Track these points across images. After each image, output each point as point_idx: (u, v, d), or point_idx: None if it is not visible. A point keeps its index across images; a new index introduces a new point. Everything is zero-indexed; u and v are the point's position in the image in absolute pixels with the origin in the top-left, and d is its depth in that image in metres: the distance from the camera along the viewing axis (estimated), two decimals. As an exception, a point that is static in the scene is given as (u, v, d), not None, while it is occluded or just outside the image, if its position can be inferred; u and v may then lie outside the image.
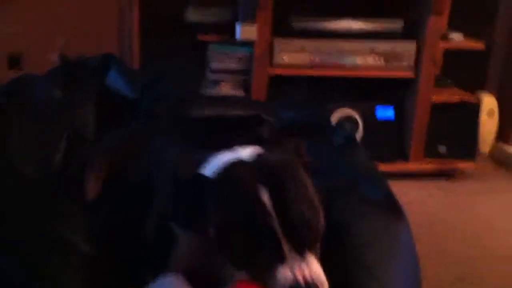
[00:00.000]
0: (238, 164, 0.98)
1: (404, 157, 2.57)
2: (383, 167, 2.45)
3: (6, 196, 1.18)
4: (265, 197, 0.90)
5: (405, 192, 2.51)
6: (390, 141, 2.58)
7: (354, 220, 1.14)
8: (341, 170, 1.33)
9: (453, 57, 2.63)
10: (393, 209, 1.21)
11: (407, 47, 2.44)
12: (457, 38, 2.52)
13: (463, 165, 2.59)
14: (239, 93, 2.36)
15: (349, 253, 1.08)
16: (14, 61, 2.19)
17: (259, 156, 1.00)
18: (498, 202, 2.43)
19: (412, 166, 2.55)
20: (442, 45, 2.48)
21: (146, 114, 1.56)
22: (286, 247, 0.88)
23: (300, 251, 0.89)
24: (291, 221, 0.89)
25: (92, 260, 1.01)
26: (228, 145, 1.42)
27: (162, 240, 0.98)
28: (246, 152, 1.02)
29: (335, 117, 2.44)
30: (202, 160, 1.05)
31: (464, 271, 1.87)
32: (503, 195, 2.50)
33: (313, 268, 0.89)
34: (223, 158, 1.02)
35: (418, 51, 2.43)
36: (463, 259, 1.95)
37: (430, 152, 2.58)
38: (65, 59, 1.77)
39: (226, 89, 2.36)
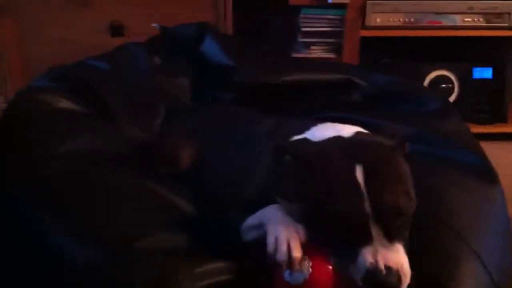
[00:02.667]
0: (337, 140, 0.97)
1: (503, 119, 2.48)
2: (481, 129, 2.42)
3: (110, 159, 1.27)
4: (360, 177, 0.89)
5: (503, 155, 2.45)
6: (488, 103, 2.49)
7: (445, 185, 1.13)
8: (435, 136, 1.31)
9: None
10: (486, 174, 1.19)
11: (507, 5, 2.32)
12: None
13: None
14: (331, 56, 2.35)
15: (439, 218, 1.06)
16: (116, 30, 2.30)
17: (359, 136, 1.00)
18: None
19: (510, 128, 2.47)
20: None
21: (241, 82, 1.61)
22: (374, 231, 0.87)
23: (388, 237, 0.87)
24: (383, 207, 0.88)
25: (194, 220, 1.07)
26: (321, 110, 1.46)
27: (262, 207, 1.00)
28: (347, 130, 1.02)
29: (430, 78, 2.39)
30: (301, 130, 1.08)
31: None
32: None
33: (399, 256, 0.87)
34: (323, 131, 1.03)
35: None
36: None
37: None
38: (163, 29, 1.85)
39: (317, 52, 2.37)
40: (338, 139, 0.98)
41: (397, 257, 0.86)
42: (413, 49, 2.40)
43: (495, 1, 2.32)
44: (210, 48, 1.75)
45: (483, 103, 2.48)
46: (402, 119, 1.37)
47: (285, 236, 0.91)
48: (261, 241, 0.93)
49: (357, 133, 1.03)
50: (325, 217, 0.89)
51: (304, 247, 0.91)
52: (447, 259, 0.99)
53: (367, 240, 0.87)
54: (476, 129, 2.36)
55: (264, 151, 1.09)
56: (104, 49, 1.75)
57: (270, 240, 0.92)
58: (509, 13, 2.33)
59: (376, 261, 0.86)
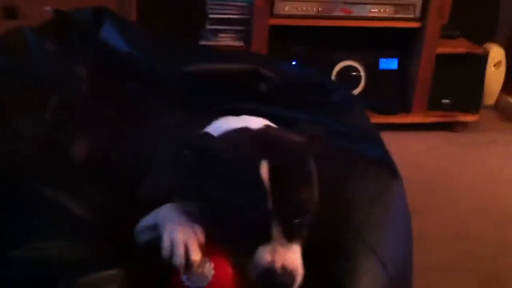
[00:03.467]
0: (243, 133, 0.93)
1: (407, 109, 2.54)
2: (386, 119, 2.47)
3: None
4: (265, 173, 0.85)
5: (407, 144, 2.51)
6: (393, 93, 2.54)
7: (347, 179, 1.12)
8: (339, 128, 1.30)
9: (462, 7, 2.55)
10: (386, 167, 1.19)
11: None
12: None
13: (467, 117, 2.55)
14: (239, 44, 2.30)
15: (341, 214, 1.05)
16: (9, 12, 2.15)
17: (267, 130, 0.96)
18: (501, 154, 2.41)
19: (415, 118, 2.52)
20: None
21: (144, 72, 1.52)
22: (274, 230, 0.85)
23: (288, 237, 0.85)
24: (286, 206, 0.85)
25: (87, 225, 0.99)
26: (226, 102, 1.40)
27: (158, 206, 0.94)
28: (254, 122, 0.98)
29: (338, 68, 2.40)
30: (205, 123, 1.02)
31: (464, 226, 1.86)
32: (507, 147, 2.47)
33: (296, 257, 0.86)
34: (228, 124, 0.98)
35: (425, 1, 2.36)
36: (463, 214, 1.93)
37: (434, 104, 2.54)
38: (59, 13, 1.72)
39: (226, 40, 2.31)
40: (243, 132, 0.94)
41: (294, 257, 0.85)
42: (323, 40, 2.40)
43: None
44: (109, 34, 1.64)
45: (389, 93, 2.53)
46: (308, 110, 1.35)
47: (182, 238, 0.86)
48: (156, 243, 0.87)
49: (265, 126, 0.98)
50: (225, 214, 0.85)
51: (204, 248, 0.86)
52: (346, 256, 0.99)
53: (267, 238, 0.84)
54: (382, 119, 2.43)
55: (165, 147, 1.04)
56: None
57: (166, 242, 0.86)
58: (415, 5, 2.37)
59: (274, 261, 0.84)
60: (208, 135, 0.95)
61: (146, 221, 0.94)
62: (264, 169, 0.85)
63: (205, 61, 1.57)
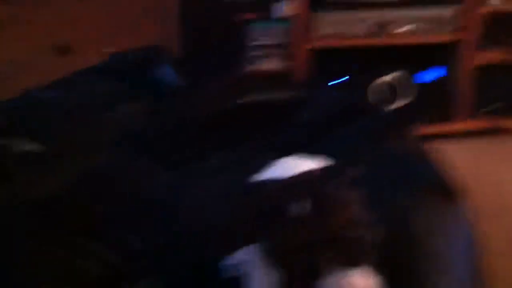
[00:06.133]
0: (288, 178, 1.01)
1: (449, 119, 2.57)
2: (429, 130, 2.50)
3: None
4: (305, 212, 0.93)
5: (452, 154, 2.50)
6: (435, 104, 2.58)
7: (409, 209, 1.15)
8: (387, 159, 1.35)
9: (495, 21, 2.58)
10: (446, 191, 1.21)
11: (448, 12, 2.41)
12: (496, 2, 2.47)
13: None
14: (280, 69, 2.39)
15: (407, 243, 1.09)
16: (61, 49, 2.26)
17: (309, 173, 1.04)
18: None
19: (458, 126, 2.55)
20: (483, 9, 2.44)
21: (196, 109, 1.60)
22: (324, 262, 0.90)
23: (348, 263, 0.91)
24: (332, 236, 0.92)
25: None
26: (269, 137, 1.47)
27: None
28: (304, 165, 1.06)
29: (375, 85, 2.46)
30: (259, 167, 1.10)
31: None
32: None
33: (365, 280, 0.91)
34: (282, 169, 1.06)
35: (460, 15, 2.41)
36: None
37: (476, 113, 2.56)
38: (112, 54, 1.83)
39: (267, 65, 2.40)
40: (290, 176, 1.02)
41: (363, 280, 0.90)
42: (361, 58, 2.46)
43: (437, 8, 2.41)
44: (164, 73, 1.75)
45: (430, 104, 2.57)
46: (352, 140, 1.41)
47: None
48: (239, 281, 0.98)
49: (311, 167, 1.07)
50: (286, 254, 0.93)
51: None
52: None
53: (320, 272, 0.90)
54: (428, 129, 2.46)
55: (224, 189, 1.12)
56: (48, 70, 1.72)
57: None
58: (450, 18, 2.42)
59: None
60: (262, 184, 1.04)
61: (231, 259, 1.03)
62: (308, 207, 0.94)
63: (251, 93, 1.64)
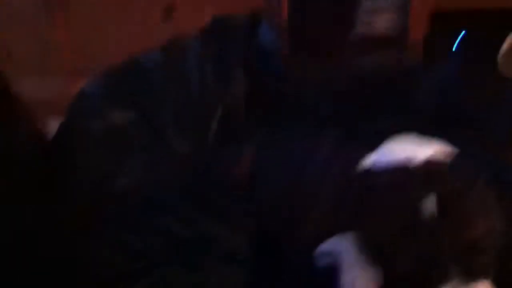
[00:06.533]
0: (408, 166, 0.91)
1: None
2: None
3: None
4: (431, 209, 0.83)
5: None
6: None
7: None
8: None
9: None
10: None
11: None
12: None
13: None
14: (394, 33, 2.20)
15: None
16: (168, 11, 2.23)
17: (435, 160, 0.93)
18: None
19: None
20: None
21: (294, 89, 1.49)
22: (451, 269, 0.82)
23: (469, 275, 0.82)
24: (461, 242, 0.83)
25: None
26: (378, 119, 1.34)
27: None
28: (421, 151, 0.94)
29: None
30: (368, 150, 1.01)
31: None
32: None
33: None
34: (394, 152, 0.96)
35: None
36: None
37: None
38: (216, 19, 1.75)
39: (380, 29, 2.22)
40: (409, 165, 0.91)
41: None
42: (489, 22, 2.21)
43: None
44: (266, 38, 1.65)
45: None
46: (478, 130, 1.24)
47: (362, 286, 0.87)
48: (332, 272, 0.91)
49: (433, 155, 0.93)
50: (397, 255, 0.85)
51: None
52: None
53: (444, 279, 0.81)
54: None
55: (320, 173, 1.08)
56: (155, 37, 1.69)
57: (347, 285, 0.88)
58: None
59: None
60: (374, 169, 0.92)
61: (325, 247, 0.95)
62: (430, 205, 0.81)
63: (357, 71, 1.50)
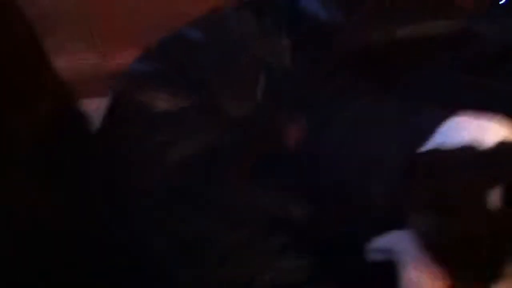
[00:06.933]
0: (473, 151, 0.83)
1: None
2: None
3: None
4: (497, 200, 0.77)
5: None
6: None
7: None
8: None
9: None
10: None
11: None
12: None
13: None
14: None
15: None
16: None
17: (503, 146, 0.84)
18: None
19: None
20: None
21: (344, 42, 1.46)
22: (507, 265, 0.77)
23: None
24: None
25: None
26: (435, 75, 1.29)
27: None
28: (489, 133, 0.86)
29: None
30: (432, 126, 0.94)
31: None
32: None
33: None
34: (459, 132, 0.88)
35: None
36: None
37: None
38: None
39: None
40: (474, 150, 0.83)
41: None
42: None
43: None
44: (310, 5, 1.63)
45: None
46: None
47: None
48: (389, 269, 0.86)
49: (502, 140, 0.86)
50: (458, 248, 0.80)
51: None
52: None
53: (498, 275, 0.78)
54: None
55: (390, 148, 1.00)
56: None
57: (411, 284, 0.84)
58: None
59: None
60: (438, 152, 0.87)
61: (379, 243, 0.91)
62: (496, 196, 0.78)
63: (414, 24, 1.45)
